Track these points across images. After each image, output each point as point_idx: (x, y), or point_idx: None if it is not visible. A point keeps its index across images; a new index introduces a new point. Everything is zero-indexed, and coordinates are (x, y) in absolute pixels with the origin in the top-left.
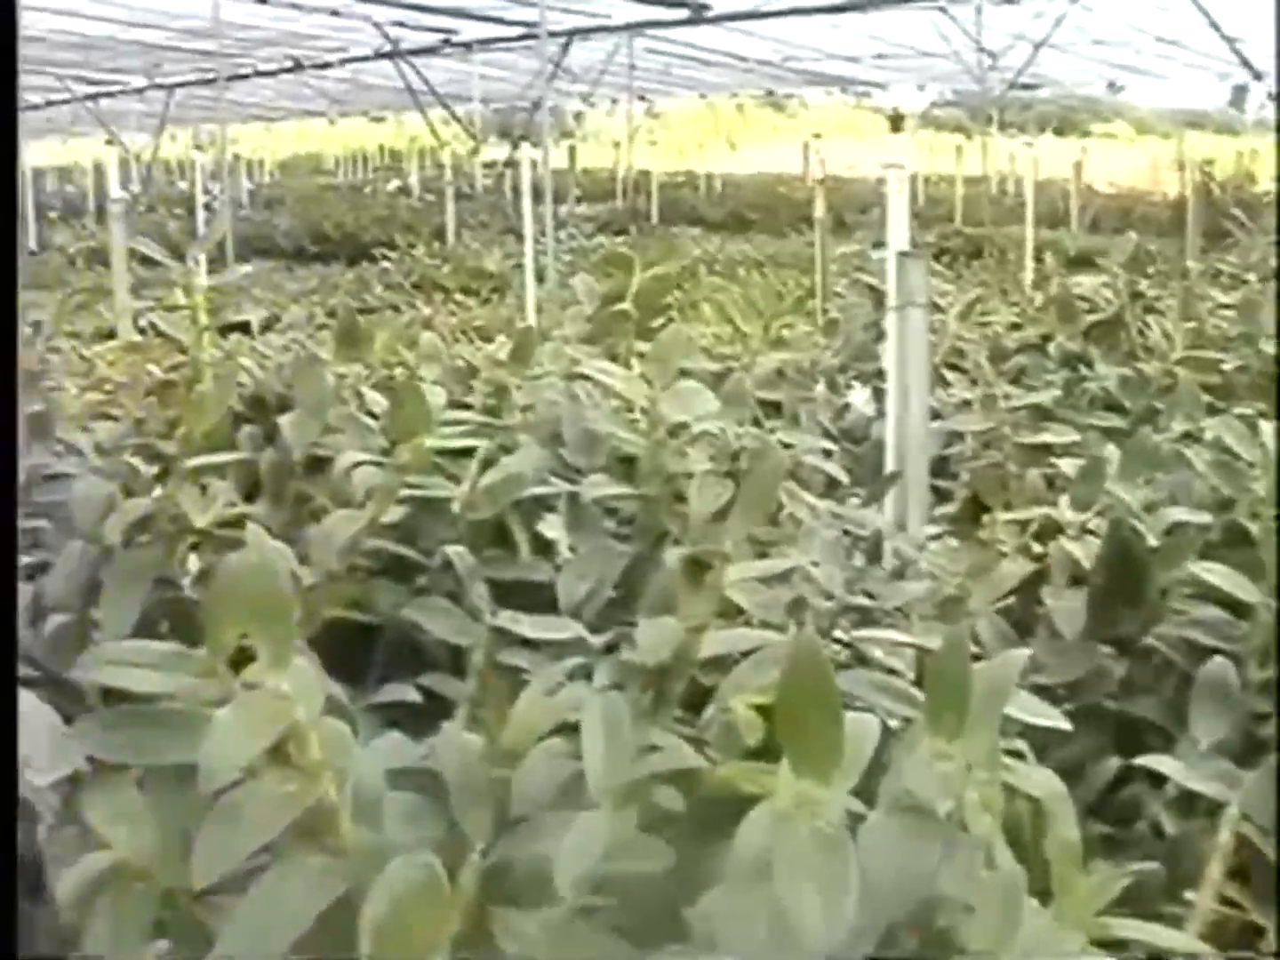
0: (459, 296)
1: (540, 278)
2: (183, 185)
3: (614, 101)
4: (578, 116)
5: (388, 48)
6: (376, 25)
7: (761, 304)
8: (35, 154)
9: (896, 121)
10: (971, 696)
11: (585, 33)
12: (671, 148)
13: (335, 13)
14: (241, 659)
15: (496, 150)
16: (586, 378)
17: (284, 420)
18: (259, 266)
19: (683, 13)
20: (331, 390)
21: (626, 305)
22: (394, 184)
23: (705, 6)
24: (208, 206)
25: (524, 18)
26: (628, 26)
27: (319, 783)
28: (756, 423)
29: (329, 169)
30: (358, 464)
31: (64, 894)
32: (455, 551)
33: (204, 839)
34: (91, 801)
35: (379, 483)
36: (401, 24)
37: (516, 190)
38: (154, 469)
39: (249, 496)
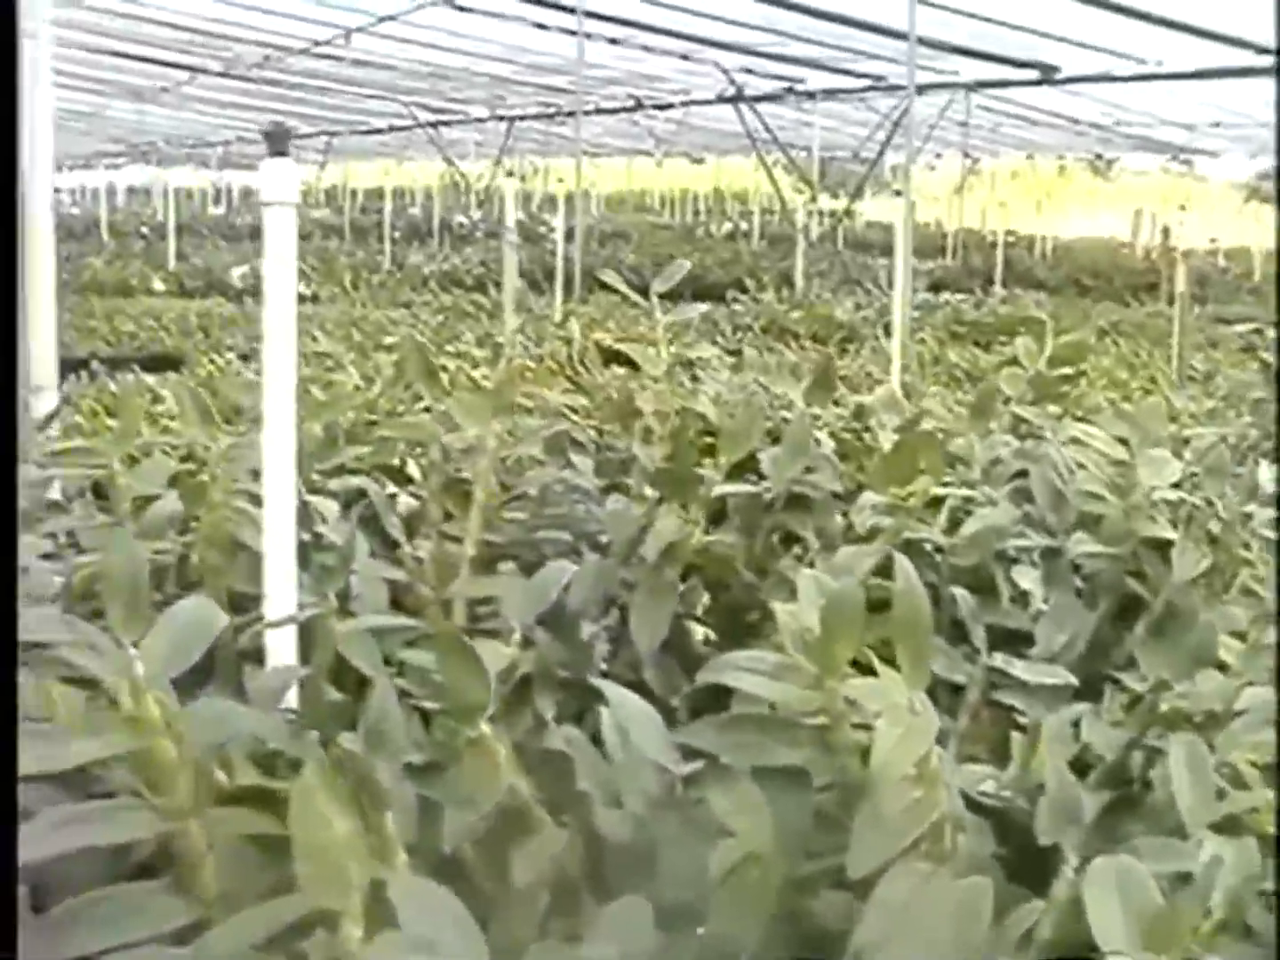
0: (807, 343)
1: (889, 331)
2: (521, 216)
3: (938, 156)
4: (895, 170)
5: (730, 92)
6: (724, 71)
7: (1126, 374)
8: (368, 177)
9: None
10: None
11: (929, 88)
12: (994, 206)
13: (685, 57)
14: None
15: (824, 199)
16: (1041, 437)
17: (765, 456)
18: (607, 300)
19: (1032, 73)
20: (810, 430)
21: (1040, 368)
22: (726, 227)
23: (1055, 68)
24: (543, 237)
25: (872, 70)
26: (975, 85)
27: (940, 794)
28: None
29: (652, 207)
30: (873, 505)
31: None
32: (960, 594)
33: (858, 837)
34: (713, 795)
35: (887, 524)
36: (750, 71)
37: (850, 240)
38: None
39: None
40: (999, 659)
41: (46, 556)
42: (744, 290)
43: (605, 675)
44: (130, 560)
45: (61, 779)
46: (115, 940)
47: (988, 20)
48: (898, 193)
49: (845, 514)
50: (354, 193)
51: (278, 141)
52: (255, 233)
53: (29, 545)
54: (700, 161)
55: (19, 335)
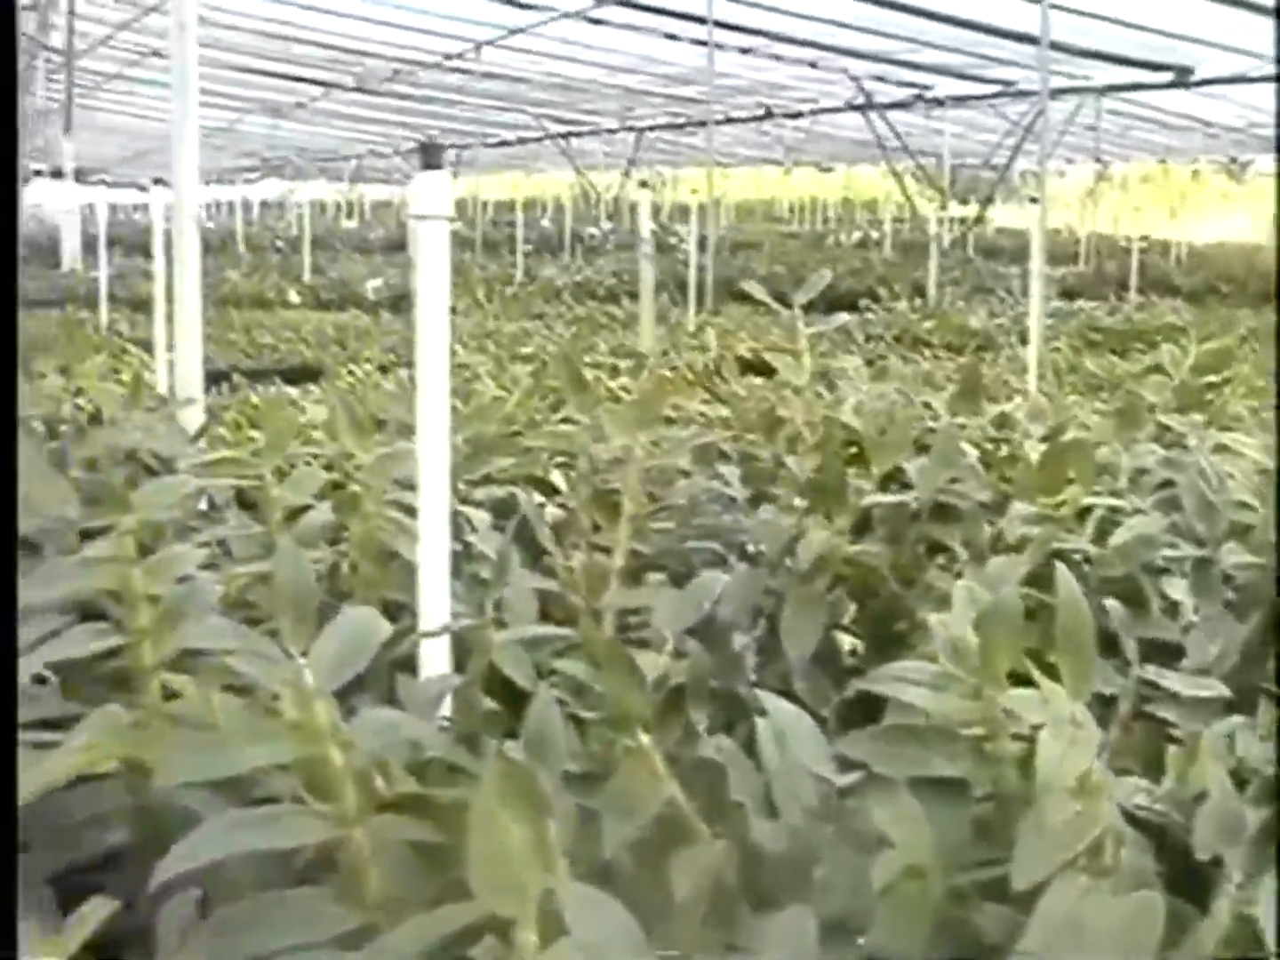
0: (941, 352)
1: (1023, 339)
2: (652, 226)
3: (1069, 161)
4: (1025, 176)
5: (860, 100)
6: (853, 79)
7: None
8: (499, 188)
9: None
10: None
11: (1061, 93)
12: (1127, 211)
13: (814, 65)
14: None
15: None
16: (1185, 446)
17: (912, 466)
18: (738, 310)
19: (1165, 76)
20: (957, 440)
21: (1184, 375)
22: (855, 235)
23: (1189, 70)
24: (674, 247)
25: (1002, 75)
26: (1107, 89)
27: (1102, 807)
28: None
29: (781, 216)
30: (1023, 515)
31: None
32: (1112, 605)
33: (1022, 849)
34: (872, 805)
35: (1036, 533)
36: (879, 78)
37: (980, 247)
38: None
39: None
40: (1150, 671)
41: (205, 567)
42: (875, 299)
43: (755, 685)
44: (297, 570)
45: (216, 784)
46: (281, 944)
47: (1120, 23)
48: (1033, 199)
49: (991, 523)
50: (485, 205)
51: (431, 155)
52: (387, 246)
53: (186, 556)
54: (828, 170)
55: (18, 336)
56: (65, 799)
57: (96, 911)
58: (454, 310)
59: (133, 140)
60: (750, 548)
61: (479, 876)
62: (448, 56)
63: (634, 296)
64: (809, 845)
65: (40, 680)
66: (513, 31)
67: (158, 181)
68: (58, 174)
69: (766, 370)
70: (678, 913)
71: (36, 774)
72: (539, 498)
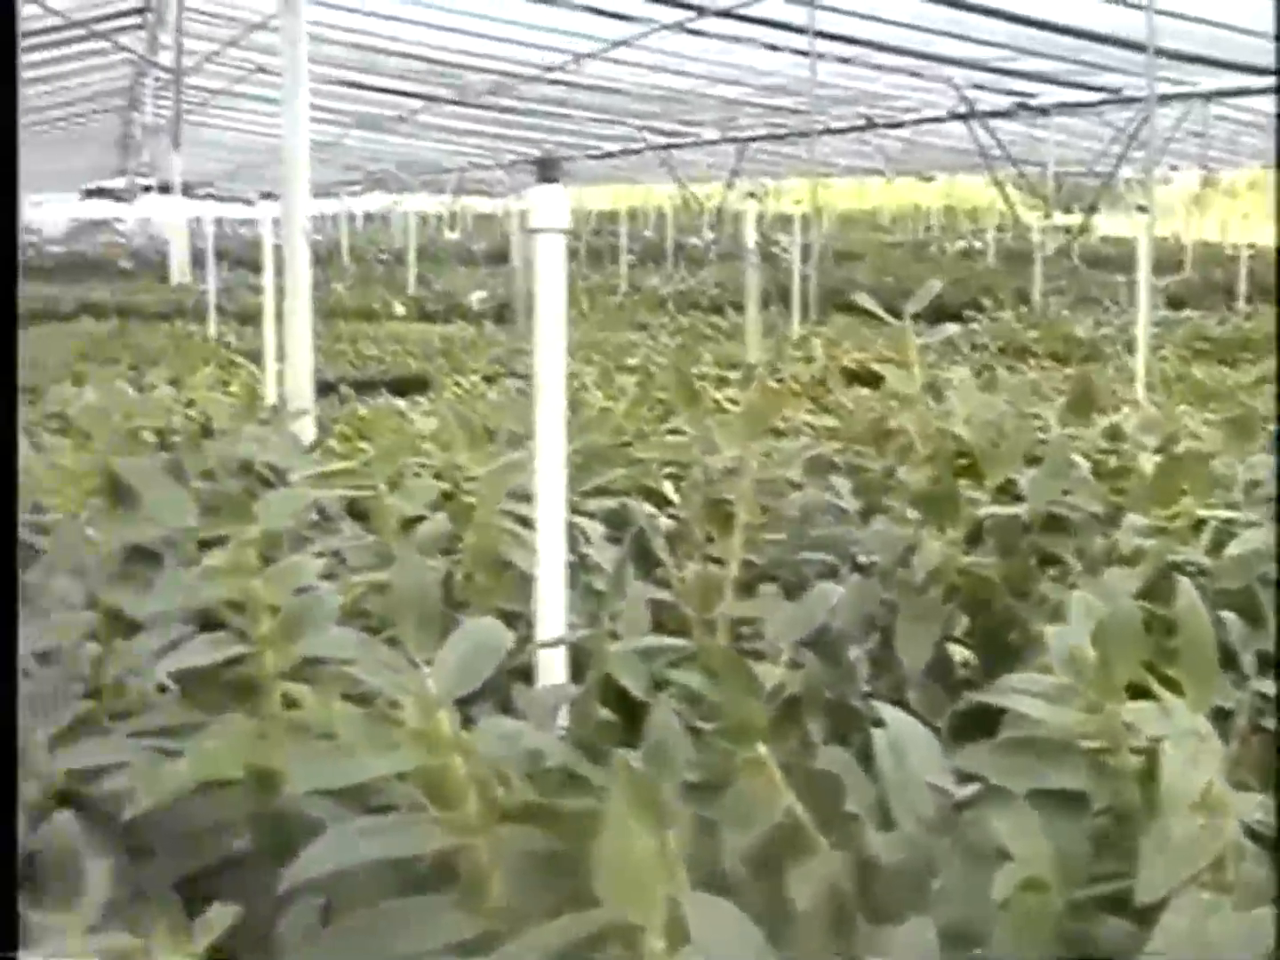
0: (1046, 362)
1: (1129, 348)
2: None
3: (1173, 169)
4: (1129, 184)
5: (962, 109)
6: (955, 87)
7: None
8: (601, 200)
9: None
10: None
11: (1166, 99)
12: (1234, 219)
13: (916, 74)
14: None
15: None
16: None
17: (1024, 477)
18: (842, 320)
19: (1273, 80)
20: (1069, 451)
21: None
22: (958, 244)
23: None
24: (775, 256)
25: (1107, 83)
26: (1213, 94)
27: (1226, 821)
28: None
29: (883, 225)
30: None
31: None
32: (1229, 618)
33: (1146, 863)
34: (991, 818)
35: (1150, 545)
36: (981, 87)
37: (1085, 256)
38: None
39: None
40: (1268, 684)
41: (325, 577)
42: (979, 309)
43: (868, 696)
44: (420, 580)
45: (337, 793)
46: (404, 951)
47: (1227, 27)
48: (1141, 208)
49: (1104, 535)
50: (588, 216)
51: (548, 169)
52: (490, 258)
53: (306, 565)
54: (930, 179)
55: (18, 338)
56: (188, 806)
57: (220, 918)
58: None
59: (239, 155)
60: (863, 559)
61: (607, 884)
62: (548, 69)
63: (737, 307)
64: (927, 857)
65: (161, 689)
66: (614, 44)
67: (265, 195)
68: (166, 189)
69: (872, 381)
70: (797, 922)
71: (160, 781)
72: (650, 508)
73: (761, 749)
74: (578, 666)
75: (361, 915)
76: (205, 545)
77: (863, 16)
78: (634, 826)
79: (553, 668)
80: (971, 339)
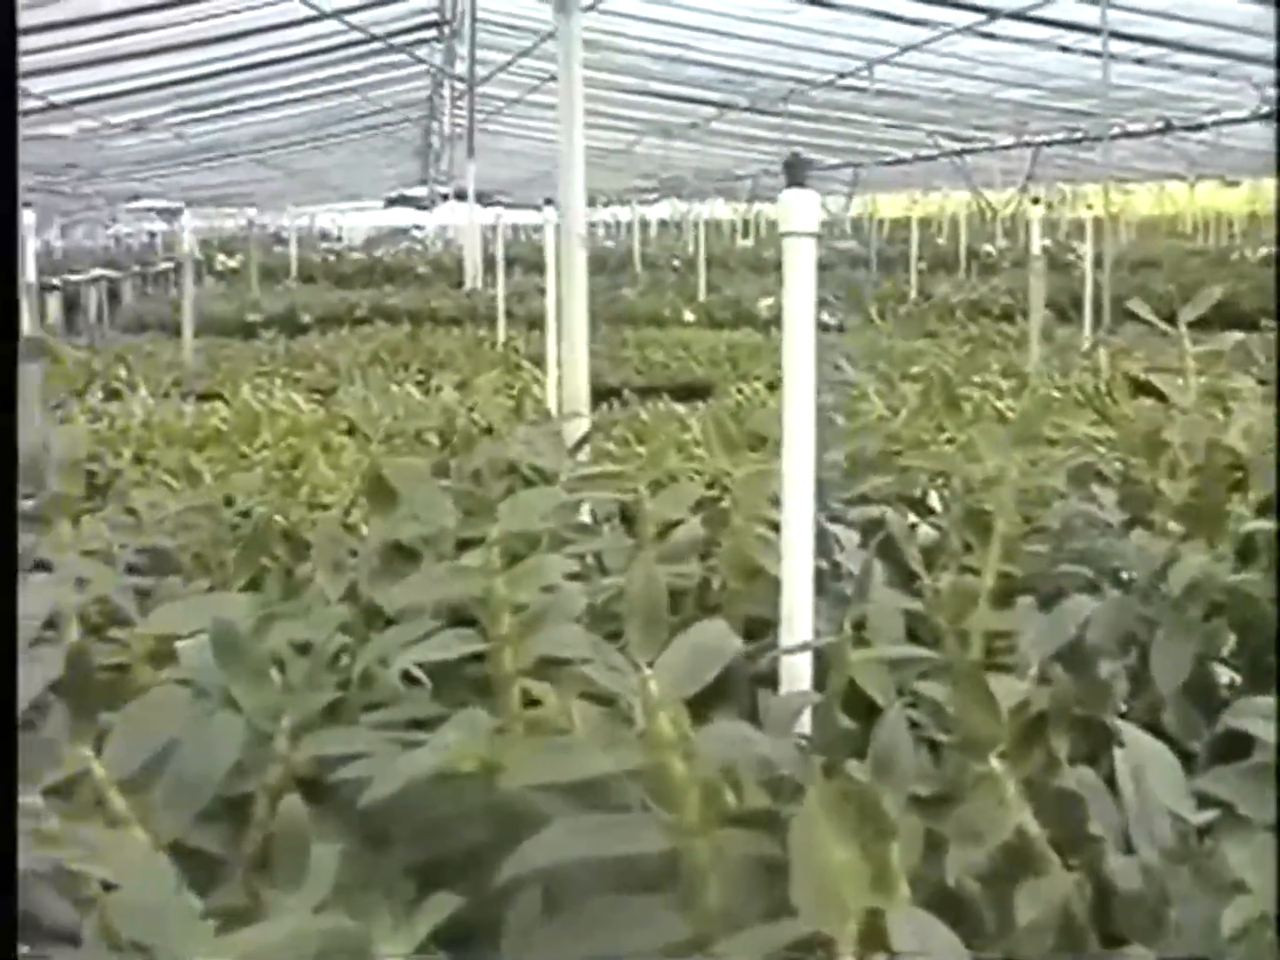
0: None
1: None
2: (1048, 243)
3: None
4: None
5: (1266, 109)
6: (1256, 87)
7: None
8: (894, 206)
9: None
10: None
11: None
12: None
13: (1214, 74)
14: None
15: None
16: None
17: None
18: (1134, 330)
19: None
20: None
21: None
22: (1261, 251)
23: None
24: (1070, 265)
25: None
26: None
27: None
28: None
29: (1184, 232)
30: None
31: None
32: None
33: None
34: (1228, 846)
35: None
36: None
37: None
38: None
39: None
40: None
41: (573, 577)
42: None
43: (1123, 716)
44: (649, 584)
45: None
46: (621, 949)
47: None
48: None
49: None
50: (880, 223)
51: (796, 172)
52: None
53: (552, 566)
54: (1235, 184)
55: (19, 337)
56: (426, 794)
57: (442, 905)
58: (844, 328)
59: (533, 163)
60: (1124, 573)
61: (799, 893)
62: (840, 75)
63: (1027, 315)
64: (1160, 884)
65: (413, 681)
66: (905, 49)
67: (548, 201)
68: (461, 196)
69: (1159, 392)
70: (1016, 942)
71: (399, 769)
72: (913, 517)
73: (995, 764)
74: (826, 674)
75: (583, 911)
76: (464, 545)
77: (1159, 15)
78: (827, 836)
79: (798, 674)
80: (1269, 349)
